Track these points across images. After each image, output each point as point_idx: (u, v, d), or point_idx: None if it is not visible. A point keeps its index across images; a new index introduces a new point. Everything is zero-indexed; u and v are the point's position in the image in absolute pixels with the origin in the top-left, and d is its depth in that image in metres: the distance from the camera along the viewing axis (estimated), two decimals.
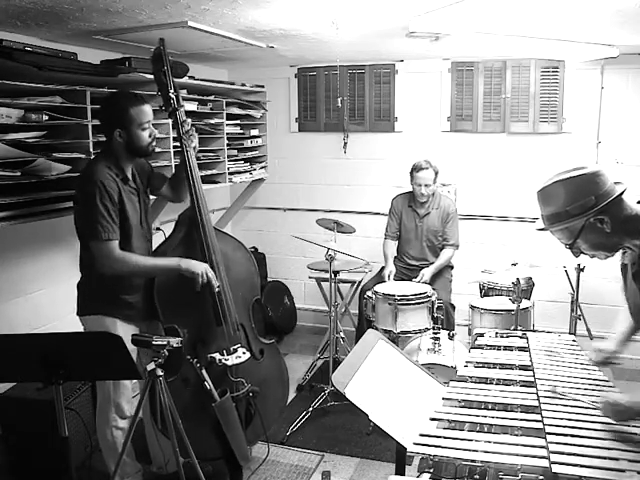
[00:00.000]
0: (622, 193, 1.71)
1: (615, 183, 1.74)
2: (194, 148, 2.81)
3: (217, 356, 2.74)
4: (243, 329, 2.94)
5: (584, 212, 1.69)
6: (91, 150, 3.00)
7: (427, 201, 4.18)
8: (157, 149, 2.89)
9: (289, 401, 3.68)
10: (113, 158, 2.56)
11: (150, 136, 2.60)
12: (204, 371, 2.57)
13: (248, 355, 2.82)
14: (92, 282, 2.61)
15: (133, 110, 2.51)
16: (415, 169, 4.08)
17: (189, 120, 2.81)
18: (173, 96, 2.75)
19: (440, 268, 4.10)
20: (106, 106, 2.61)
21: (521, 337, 2.48)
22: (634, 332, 2.08)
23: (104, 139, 2.64)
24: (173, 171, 3.60)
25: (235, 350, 2.79)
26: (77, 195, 2.58)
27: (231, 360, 2.74)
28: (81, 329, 2.63)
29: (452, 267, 4.30)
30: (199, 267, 2.63)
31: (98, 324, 2.56)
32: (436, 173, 4.08)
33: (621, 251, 1.84)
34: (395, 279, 4.08)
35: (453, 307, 4.04)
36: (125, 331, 2.51)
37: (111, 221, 2.45)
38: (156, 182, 2.84)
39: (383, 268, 4.26)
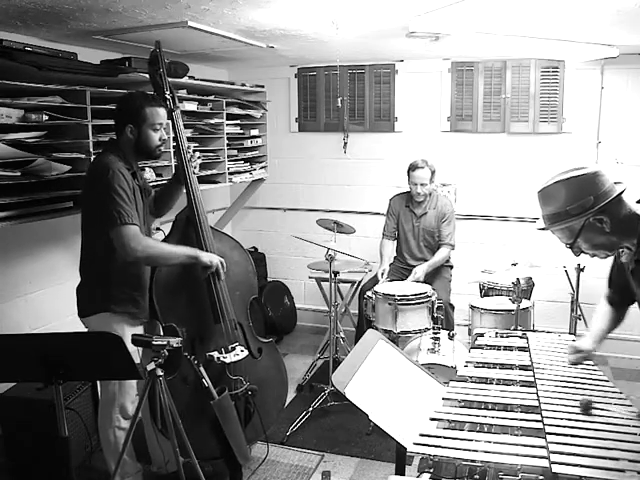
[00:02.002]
0: (621, 193, 1.73)
1: (615, 183, 1.75)
2: (194, 167, 2.87)
3: (215, 354, 2.75)
4: (241, 328, 2.95)
5: (583, 212, 1.70)
6: (91, 150, 3.00)
7: (424, 201, 4.17)
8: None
9: (289, 401, 3.69)
10: (122, 153, 2.57)
11: (160, 139, 2.62)
12: (202, 368, 2.57)
13: (246, 353, 2.83)
14: (97, 280, 2.59)
15: (148, 109, 2.55)
16: (411, 168, 4.08)
17: (192, 150, 2.88)
18: (169, 97, 2.79)
19: (434, 266, 4.06)
20: (122, 102, 2.63)
21: (521, 337, 2.48)
22: (614, 327, 2.09)
23: (114, 136, 2.65)
24: (173, 171, 3.62)
25: (233, 348, 2.80)
26: (92, 186, 2.53)
27: (229, 358, 2.75)
28: (81, 329, 2.62)
29: (452, 267, 4.30)
30: (215, 259, 2.70)
31: (104, 322, 2.54)
32: (432, 172, 4.07)
33: (619, 250, 1.85)
34: (395, 279, 4.07)
35: (452, 307, 4.04)
36: (130, 329, 2.52)
37: (131, 205, 2.45)
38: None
39: None
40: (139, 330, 2.64)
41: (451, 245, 4.17)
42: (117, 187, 2.42)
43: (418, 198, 4.14)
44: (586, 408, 1.76)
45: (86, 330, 2.61)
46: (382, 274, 4.06)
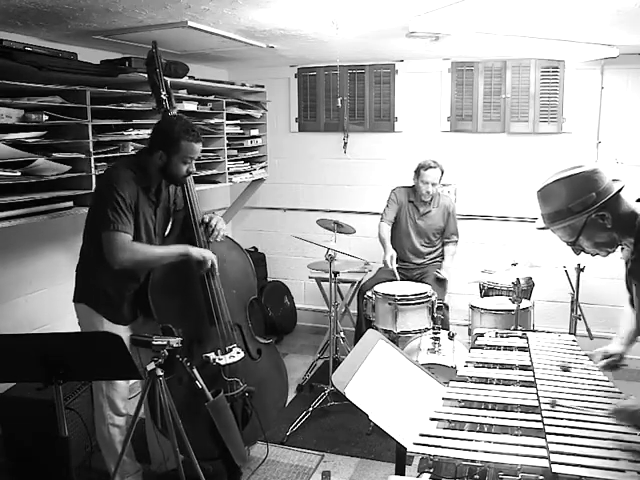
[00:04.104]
0: (621, 189, 1.73)
1: (613, 180, 1.76)
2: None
3: (212, 356, 2.74)
4: (239, 329, 2.94)
5: (586, 209, 1.71)
6: (91, 150, 3.00)
7: (429, 199, 4.20)
8: None
9: (289, 401, 3.68)
10: (143, 168, 2.60)
11: (187, 171, 2.65)
12: (195, 370, 2.56)
13: (242, 355, 2.82)
14: (85, 276, 2.66)
15: (184, 142, 2.57)
16: (423, 167, 4.09)
17: (218, 224, 2.82)
18: (165, 97, 2.82)
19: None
20: (162, 126, 2.65)
21: (521, 337, 2.48)
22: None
23: (143, 147, 2.71)
24: None
25: (230, 350, 2.79)
26: (98, 189, 2.64)
27: (225, 360, 2.74)
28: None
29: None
30: (207, 253, 2.71)
31: (87, 314, 2.62)
32: (442, 172, 4.11)
33: (620, 248, 1.85)
34: (395, 279, 4.05)
35: (447, 307, 4.04)
36: (111, 329, 2.53)
37: (127, 214, 2.48)
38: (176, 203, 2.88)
39: (381, 269, 4.25)
40: (123, 328, 2.65)
41: (457, 241, 4.29)
42: (116, 194, 2.46)
43: (426, 198, 4.16)
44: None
45: (76, 315, 2.67)
46: (391, 260, 4.02)
